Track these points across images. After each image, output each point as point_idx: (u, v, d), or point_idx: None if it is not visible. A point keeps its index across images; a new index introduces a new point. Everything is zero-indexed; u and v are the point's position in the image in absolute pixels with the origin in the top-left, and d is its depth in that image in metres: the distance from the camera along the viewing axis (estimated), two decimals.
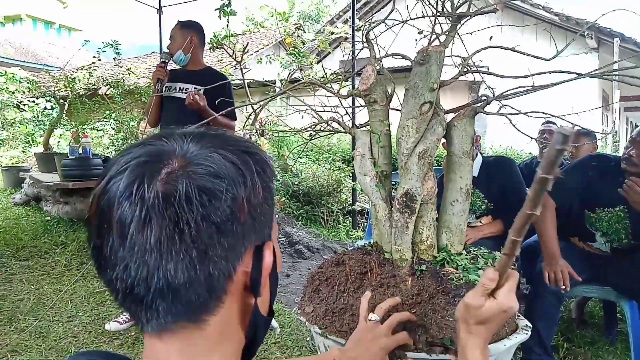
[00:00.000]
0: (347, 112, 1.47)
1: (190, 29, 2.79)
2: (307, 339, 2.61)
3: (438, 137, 1.21)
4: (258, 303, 0.55)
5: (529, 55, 1.23)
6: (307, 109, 1.51)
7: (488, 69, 1.31)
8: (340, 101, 1.43)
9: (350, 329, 1.13)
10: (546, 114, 1.21)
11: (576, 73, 1.15)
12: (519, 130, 1.25)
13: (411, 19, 1.37)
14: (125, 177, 0.48)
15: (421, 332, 1.07)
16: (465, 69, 1.28)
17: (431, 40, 1.29)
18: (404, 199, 1.20)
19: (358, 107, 1.50)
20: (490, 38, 1.35)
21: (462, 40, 1.30)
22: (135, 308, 0.50)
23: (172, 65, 2.89)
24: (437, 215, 1.33)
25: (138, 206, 0.46)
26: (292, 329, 2.73)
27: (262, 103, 1.48)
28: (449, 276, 1.15)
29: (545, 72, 1.18)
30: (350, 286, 1.22)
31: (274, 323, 2.67)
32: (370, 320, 1.06)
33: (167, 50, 2.78)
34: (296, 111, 1.59)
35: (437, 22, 1.32)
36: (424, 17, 1.36)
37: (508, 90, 1.22)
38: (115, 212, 0.47)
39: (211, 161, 0.50)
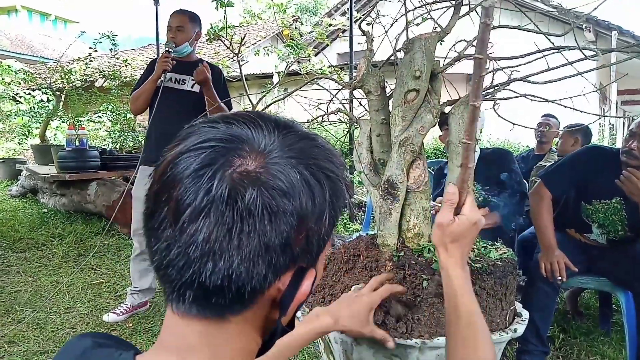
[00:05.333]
0: (347, 103, 1.47)
1: (196, 23, 2.79)
2: None
3: (424, 125, 1.19)
4: (281, 319, 0.53)
5: (537, 32, 1.22)
6: (310, 104, 1.51)
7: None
8: (346, 92, 1.43)
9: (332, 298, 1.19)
10: (541, 98, 1.21)
11: (589, 49, 1.15)
12: (500, 116, 1.24)
13: (410, 11, 1.36)
14: (199, 158, 0.46)
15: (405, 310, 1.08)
16: (464, 54, 1.27)
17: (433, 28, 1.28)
18: (386, 186, 1.22)
19: (358, 98, 1.49)
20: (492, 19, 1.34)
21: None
22: (165, 282, 0.48)
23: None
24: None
25: (200, 195, 0.44)
26: None
27: (260, 96, 1.48)
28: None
29: (550, 53, 1.17)
30: (343, 266, 1.27)
31: None
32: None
33: (171, 41, 2.70)
34: (299, 103, 1.59)
35: (433, 8, 1.31)
36: (422, 5, 1.35)
37: (512, 71, 1.22)
38: (178, 189, 0.45)
39: (286, 178, 0.46)
